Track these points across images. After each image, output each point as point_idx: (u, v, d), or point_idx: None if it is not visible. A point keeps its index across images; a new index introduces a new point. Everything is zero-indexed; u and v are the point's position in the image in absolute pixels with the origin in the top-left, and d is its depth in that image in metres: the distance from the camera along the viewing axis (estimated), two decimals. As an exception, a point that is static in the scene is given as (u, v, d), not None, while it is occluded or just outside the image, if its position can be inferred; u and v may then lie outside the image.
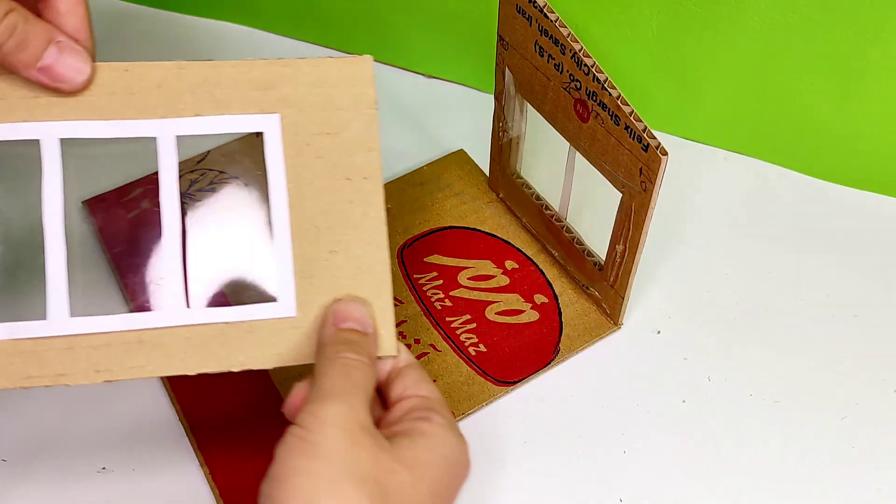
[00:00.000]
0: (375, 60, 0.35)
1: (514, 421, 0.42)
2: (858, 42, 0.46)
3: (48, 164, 0.33)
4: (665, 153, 0.37)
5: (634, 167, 0.38)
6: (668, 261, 0.48)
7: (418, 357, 0.43)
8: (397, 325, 0.44)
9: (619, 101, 0.38)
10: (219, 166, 0.50)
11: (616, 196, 0.41)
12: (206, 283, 0.40)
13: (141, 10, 0.61)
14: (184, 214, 0.34)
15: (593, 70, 0.38)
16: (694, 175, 0.52)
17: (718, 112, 0.52)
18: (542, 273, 0.47)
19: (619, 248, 0.42)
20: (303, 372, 0.33)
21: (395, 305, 0.45)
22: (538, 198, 0.48)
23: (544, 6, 0.39)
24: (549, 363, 0.44)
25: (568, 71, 0.40)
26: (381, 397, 0.34)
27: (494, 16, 0.43)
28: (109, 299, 0.45)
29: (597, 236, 0.45)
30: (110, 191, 0.49)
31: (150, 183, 0.49)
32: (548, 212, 0.47)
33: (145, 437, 0.41)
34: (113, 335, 0.34)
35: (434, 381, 0.43)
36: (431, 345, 0.44)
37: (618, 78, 0.40)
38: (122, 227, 0.48)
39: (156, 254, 0.45)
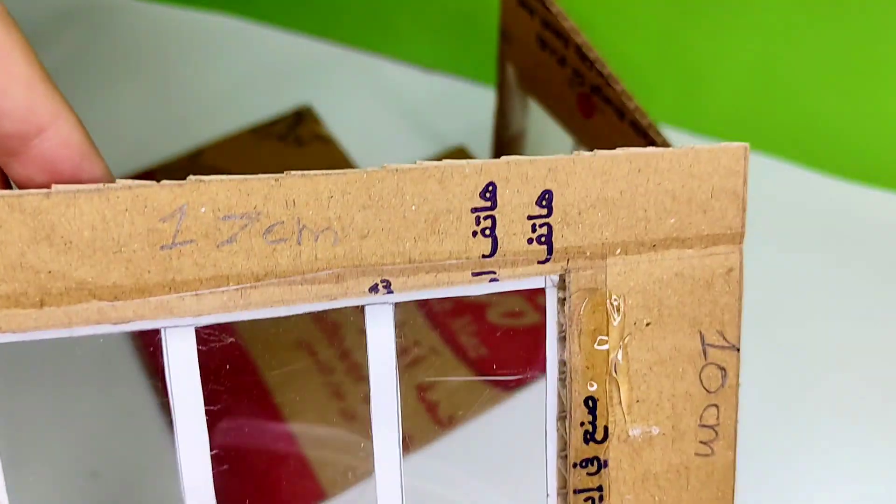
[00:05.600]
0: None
1: (516, 426, 0.41)
2: (868, 35, 0.46)
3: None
4: (672, 150, 0.36)
5: (640, 164, 0.38)
6: (673, 259, 0.48)
7: (417, 359, 0.43)
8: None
9: (623, 96, 0.37)
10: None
11: (621, 194, 0.40)
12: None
13: (123, 1, 0.60)
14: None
15: (597, 64, 0.38)
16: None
17: (726, 106, 0.52)
18: (545, 272, 0.46)
19: (624, 247, 0.41)
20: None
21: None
22: (540, 195, 0.47)
23: (546, -2, 0.39)
24: (552, 365, 0.43)
25: (571, 65, 0.39)
26: None
27: (496, 7, 0.43)
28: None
29: (601, 235, 0.44)
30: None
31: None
32: (550, 209, 0.47)
33: (138, 441, 0.40)
34: None
35: (434, 384, 0.42)
36: (431, 347, 0.43)
37: (623, 72, 0.40)
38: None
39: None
